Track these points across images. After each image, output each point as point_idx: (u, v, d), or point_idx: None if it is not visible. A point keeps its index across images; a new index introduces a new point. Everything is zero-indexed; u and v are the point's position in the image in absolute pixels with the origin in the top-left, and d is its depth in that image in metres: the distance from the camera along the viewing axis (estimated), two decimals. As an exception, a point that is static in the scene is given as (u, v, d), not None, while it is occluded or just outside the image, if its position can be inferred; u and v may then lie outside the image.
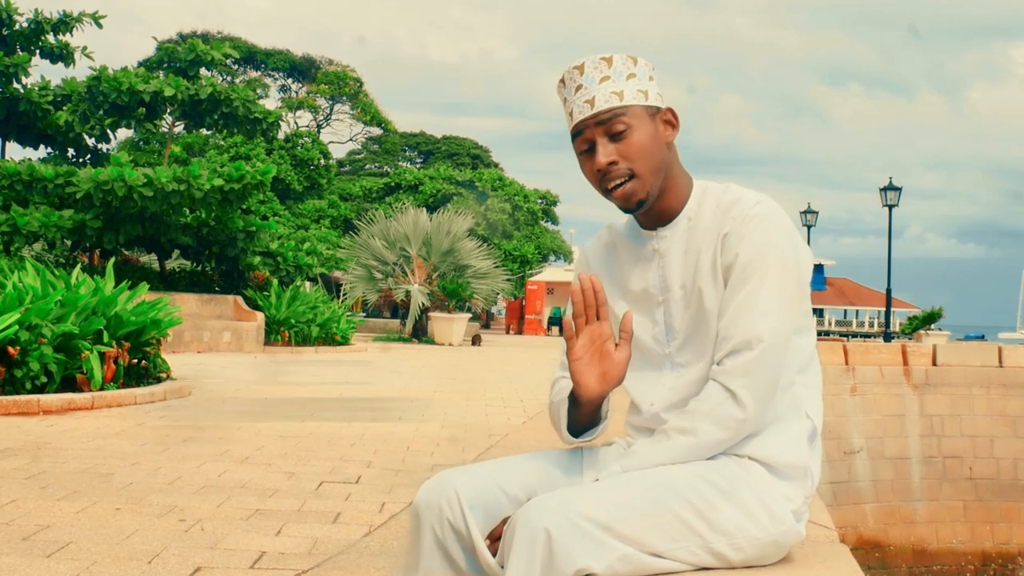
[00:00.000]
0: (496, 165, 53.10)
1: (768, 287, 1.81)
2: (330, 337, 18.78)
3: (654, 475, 1.80)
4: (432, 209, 30.02)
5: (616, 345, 1.84)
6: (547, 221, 45.95)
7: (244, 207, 20.74)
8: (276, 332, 17.95)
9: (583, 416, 1.92)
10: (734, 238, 1.84)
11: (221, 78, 39.17)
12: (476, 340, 24.87)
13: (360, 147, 54.73)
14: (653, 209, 1.94)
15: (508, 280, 28.68)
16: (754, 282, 1.82)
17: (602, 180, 1.88)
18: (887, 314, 30.09)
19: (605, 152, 1.86)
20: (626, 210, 1.91)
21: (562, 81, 1.92)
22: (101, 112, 18.91)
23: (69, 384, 8.03)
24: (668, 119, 1.91)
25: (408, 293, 24.14)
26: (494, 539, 1.76)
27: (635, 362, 2.03)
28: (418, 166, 52.11)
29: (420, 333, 24.45)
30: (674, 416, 1.85)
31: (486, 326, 39.71)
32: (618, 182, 1.87)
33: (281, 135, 38.05)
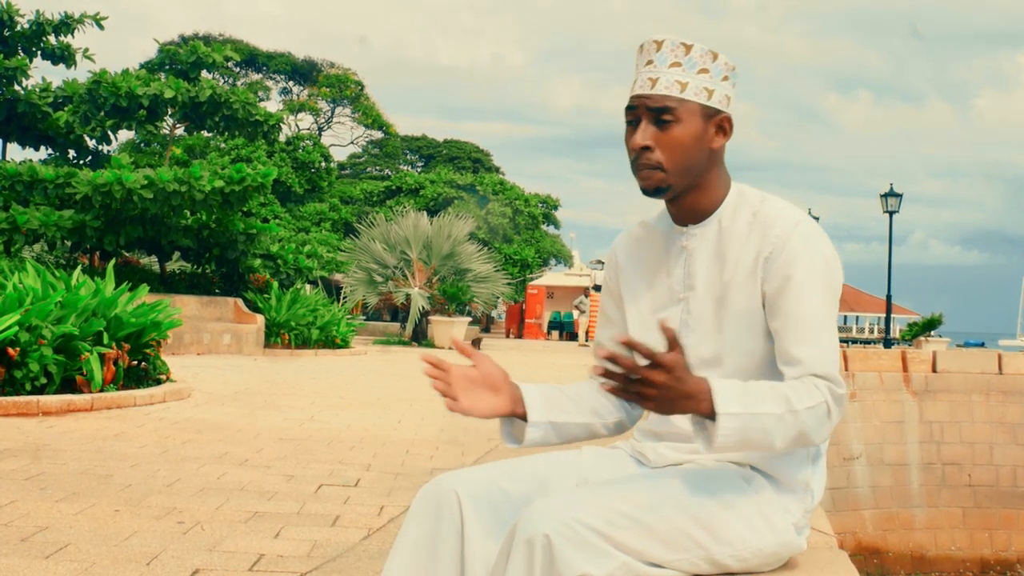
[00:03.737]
0: (497, 169, 53.11)
1: (825, 312, 1.82)
2: (330, 340, 18.76)
3: (656, 485, 1.80)
4: (433, 213, 30.01)
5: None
6: (548, 225, 45.98)
7: (245, 209, 20.75)
8: (276, 335, 17.93)
9: (507, 425, 2.01)
10: (783, 259, 1.83)
11: (222, 80, 39.24)
12: (476, 344, 24.85)
13: (361, 150, 54.75)
14: (685, 205, 1.94)
15: (508, 284, 28.66)
16: (814, 302, 1.81)
17: (633, 158, 1.89)
18: (887, 320, 30.06)
19: (644, 135, 1.86)
20: (645, 192, 1.91)
21: (641, 48, 1.91)
22: (102, 114, 18.91)
23: (69, 385, 8.03)
24: (723, 125, 1.90)
25: (408, 296, 24.13)
26: None
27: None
28: (419, 170, 52.11)
29: (420, 336, 24.44)
30: (787, 385, 1.77)
31: (486, 330, 39.75)
32: (643, 167, 1.87)
33: (282, 138, 38.03)
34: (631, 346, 1.65)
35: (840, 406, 1.80)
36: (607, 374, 1.67)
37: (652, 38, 1.88)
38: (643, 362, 1.66)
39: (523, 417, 1.96)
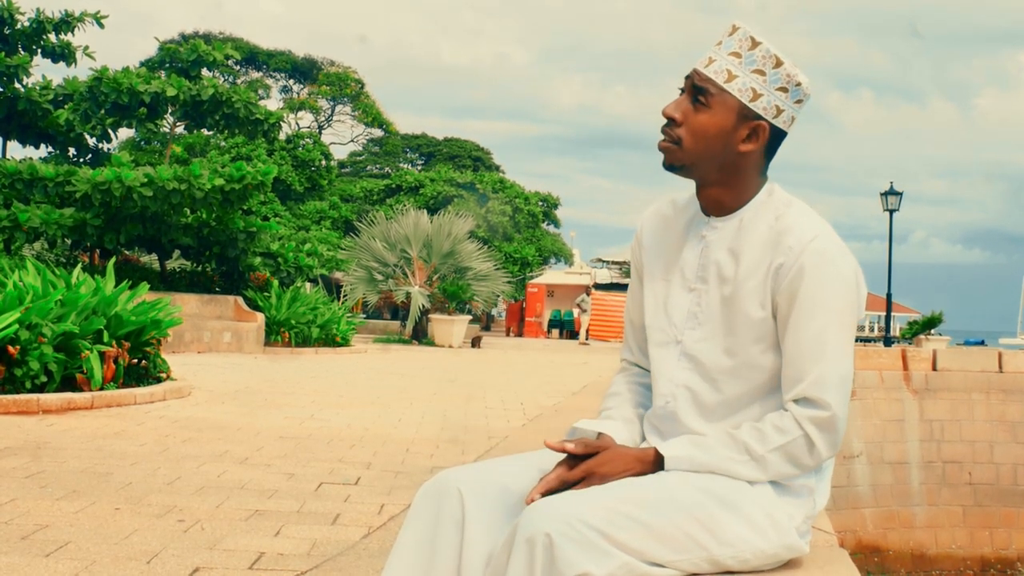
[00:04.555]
0: (497, 168, 53.10)
1: (834, 332, 1.81)
2: (330, 338, 18.77)
3: (659, 486, 1.80)
4: (433, 211, 30.00)
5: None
6: (548, 224, 45.95)
7: (245, 208, 20.74)
8: (276, 333, 17.94)
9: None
10: (792, 275, 1.80)
11: (223, 79, 39.19)
12: (476, 342, 24.86)
13: (361, 148, 54.74)
14: (709, 195, 1.92)
15: (508, 282, 28.66)
16: (820, 322, 1.80)
17: (661, 126, 1.89)
18: (887, 319, 30.07)
19: (676, 106, 1.86)
20: (663, 164, 1.90)
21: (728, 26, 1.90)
22: (102, 112, 18.91)
23: (69, 383, 8.03)
24: (756, 131, 1.85)
25: (408, 295, 24.13)
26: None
27: (649, 343, 2.03)
28: (419, 168, 52.10)
29: (420, 335, 24.45)
30: (748, 430, 1.84)
31: (486, 328, 39.75)
32: (665, 138, 1.87)
33: (282, 136, 38.03)
34: (546, 489, 1.78)
35: (828, 431, 1.81)
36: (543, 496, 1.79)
37: (734, 22, 1.86)
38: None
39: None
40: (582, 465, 1.80)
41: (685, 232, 1.99)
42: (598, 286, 37.58)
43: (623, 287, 38.27)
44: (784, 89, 1.84)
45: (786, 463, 1.82)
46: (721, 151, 1.85)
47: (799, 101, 1.87)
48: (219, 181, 16.79)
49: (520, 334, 38.16)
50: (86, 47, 20.30)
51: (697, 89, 1.84)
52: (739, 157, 1.86)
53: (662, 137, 1.88)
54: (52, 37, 20.15)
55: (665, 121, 1.88)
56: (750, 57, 1.82)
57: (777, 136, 1.88)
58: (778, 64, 1.82)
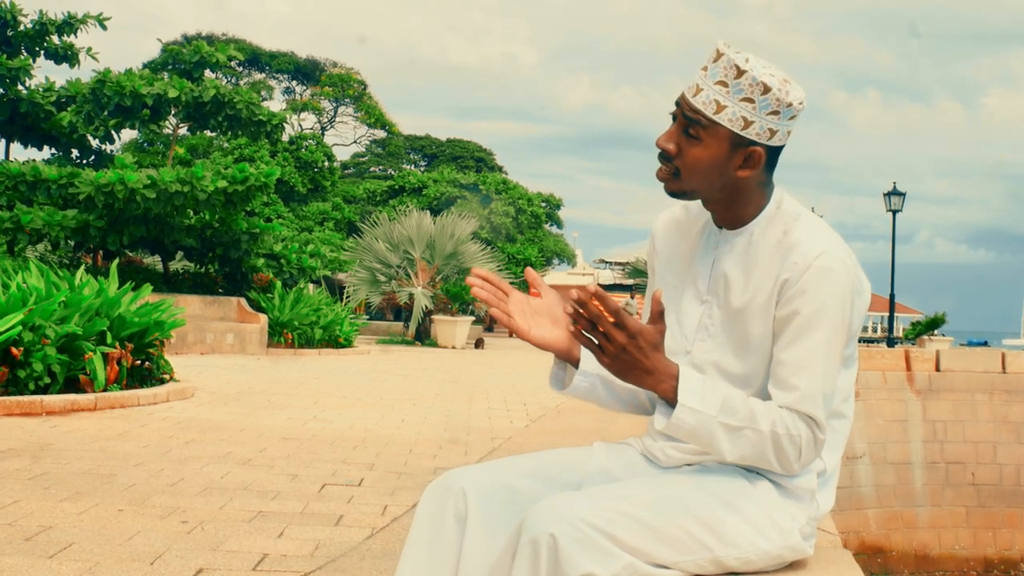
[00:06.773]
0: (500, 168, 53.11)
1: (826, 350, 1.79)
2: (333, 339, 18.77)
3: (663, 486, 1.80)
4: (436, 212, 29.99)
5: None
6: (551, 225, 45.95)
7: (248, 209, 20.79)
8: (279, 334, 17.95)
9: (559, 369, 1.98)
10: (795, 290, 1.79)
11: (225, 80, 39.24)
12: (479, 343, 24.86)
13: (364, 149, 54.77)
14: (715, 211, 1.91)
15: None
16: (815, 339, 1.78)
17: (657, 154, 1.86)
18: (890, 319, 30.05)
19: (668, 137, 1.84)
20: (664, 190, 1.88)
21: (713, 49, 1.82)
22: (105, 113, 18.94)
23: (72, 385, 8.04)
24: (750, 157, 1.81)
25: (411, 296, 24.14)
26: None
27: None
28: (422, 169, 52.12)
29: (423, 336, 24.45)
30: (757, 402, 1.78)
31: (489, 329, 39.72)
32: (662, 167, 1.85)
33: (285, 137, 38.00)
34: (601, 299, 1.67)
35: (816, 451, 1.79)
36: (576, 315, 1.70)
37: (718, 45, 1.80)
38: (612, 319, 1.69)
39: (576, 364, 1.94)
40: (633, 320, 1.70)
41: (698, 241, 1.98)
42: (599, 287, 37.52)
43: (626, 288, 38.22)
44: (775, 112, 1.80)
45: (772, 451, 1.76)
46: (719, 179, 1.83)
47: (793, 117, 1.83)
48: (222, 183, 16.82)
49: (523, 335, 38.01)
50: (89, 48, 20.35)
51: (688, 121, 1.81)
52: (738, 181, 1.84)
53: (660, 167, 1.86)
54: (55, 39, 20.19)
55: (657, 152, 1.86)
56: (736, 86, 1.78)
57: (774, 152, 1.86)
58: (766, 91, 1.77)
